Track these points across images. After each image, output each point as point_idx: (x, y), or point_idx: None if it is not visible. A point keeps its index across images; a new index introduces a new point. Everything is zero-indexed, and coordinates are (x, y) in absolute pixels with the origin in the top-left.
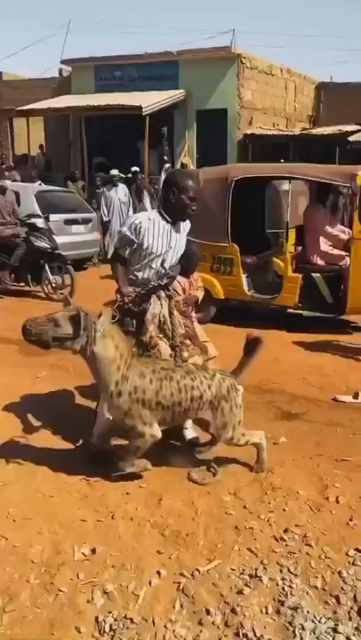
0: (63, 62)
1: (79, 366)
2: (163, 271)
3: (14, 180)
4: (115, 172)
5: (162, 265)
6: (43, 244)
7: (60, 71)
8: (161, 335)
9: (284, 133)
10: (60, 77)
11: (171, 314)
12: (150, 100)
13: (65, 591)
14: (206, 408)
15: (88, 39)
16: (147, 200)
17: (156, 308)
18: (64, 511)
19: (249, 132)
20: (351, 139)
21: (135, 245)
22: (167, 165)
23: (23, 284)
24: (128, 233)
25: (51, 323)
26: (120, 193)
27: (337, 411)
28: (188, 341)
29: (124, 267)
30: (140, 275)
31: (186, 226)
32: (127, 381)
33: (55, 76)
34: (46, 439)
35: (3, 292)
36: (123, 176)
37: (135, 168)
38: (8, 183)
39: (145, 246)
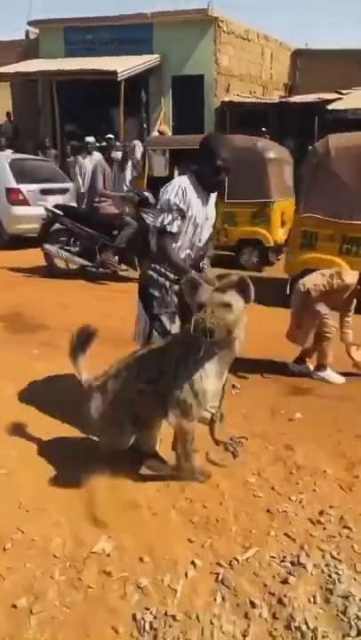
0: (30, 24)
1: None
2: (199, 248)
3: None
4: (90, 139)
5: (199, 241)
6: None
7: (27, 33)
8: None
9: (263, 101)
10: (27, 40)
11: None
12: (125, 65)
13: (94, 587)
14: None
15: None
16: (128, 171)
17: None
18: (79, 500)
19: (227, 99)
20: (331, 107)
21: (183, 216)
22: (154, 134)
23: (126, 268)
24: (177, 201)
25: (224, 307)
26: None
27: (350, 385)
28: None
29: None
30: (181, 252)
31: (213, 198)
32: None
33: (21, 38)
34: (51, 422)
35: (101, 277)
36: (98, 144)
37: (110, 135)
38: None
39: (189, 215)
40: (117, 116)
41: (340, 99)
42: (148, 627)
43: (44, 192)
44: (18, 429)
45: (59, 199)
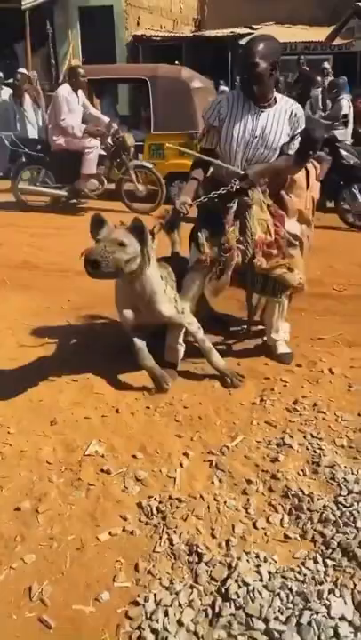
0: None
1: (14, 278)
2: (245, 168)
3: None
4: None
5: (246, 160)
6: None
7: None
8: (242, 239)
9: (176, 35)
10: None
11: (248, 219)
12: None
13: (95, 485)
14: None
15: None
16: (28, 104)
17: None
18: (62, 412)
19: (138, 33)
20: (243, 42)
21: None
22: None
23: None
24: (207, 116)
25: (117, 245)
26: (4, 97)
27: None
28: (274, 251)
29: (205, 168)
30: (220, 172)
31: (292, 113)
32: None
33: None
34: (18, 345)
35: None
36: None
37: (22, 70)
38: None
39: (226, 131)
40: (22, 50)
41: (251, 34)
42: (155, 511)
43: None
44: None
45: None
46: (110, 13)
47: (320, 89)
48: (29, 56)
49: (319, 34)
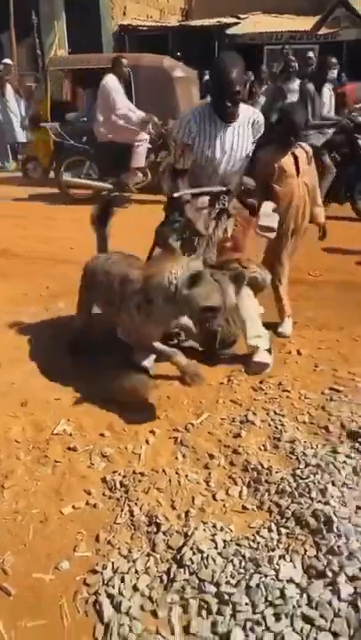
0: None
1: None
2: (218, 184)
3: None
4: None
5: (218, 173)
6: None
7: None
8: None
9: (163, 25)
10: None
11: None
12: None
13: (62, 462)
14: None
15: None
16: (10, 95)
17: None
18: (33, 394)
19: (125, 22)
20: (229, 31)
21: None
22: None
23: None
24: (180, 135)
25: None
26: None
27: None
28: (228, 244)
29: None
30: (202, 182)
31: (254, 122)
32: None
33: None
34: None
35: None
36: None
37: (7, 61)
38: None
39: (197, 148)
40: (7, 40)
41: (238, 23)
42: (118, 485)
43: None
44: None
45: None
46: (96, 3)
47: (336, 70)
48: (14, 46)
49: (305, 23)
